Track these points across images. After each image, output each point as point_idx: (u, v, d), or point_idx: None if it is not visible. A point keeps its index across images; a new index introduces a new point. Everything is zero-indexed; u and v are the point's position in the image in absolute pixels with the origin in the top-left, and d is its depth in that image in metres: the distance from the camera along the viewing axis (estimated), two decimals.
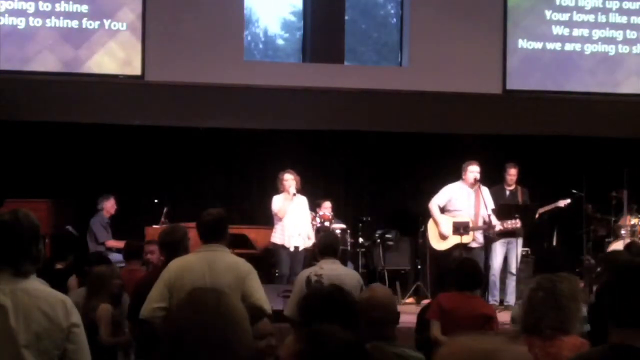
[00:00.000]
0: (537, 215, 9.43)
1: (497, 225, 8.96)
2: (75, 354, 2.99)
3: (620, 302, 2.50)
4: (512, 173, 9.56)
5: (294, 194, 9.04)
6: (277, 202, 9.05)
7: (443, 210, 9.11)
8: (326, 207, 9.98)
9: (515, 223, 8.99)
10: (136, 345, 5.43)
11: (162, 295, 4.67)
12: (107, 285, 5.75)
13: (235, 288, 4.59)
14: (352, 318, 3.10)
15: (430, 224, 9.19)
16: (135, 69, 10.16)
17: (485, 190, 9.10)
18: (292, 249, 9.01)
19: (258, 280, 4.78)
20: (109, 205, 9.82)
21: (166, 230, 5.47)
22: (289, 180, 9.06)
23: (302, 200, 9.19)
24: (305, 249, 9.12)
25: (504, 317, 8.44)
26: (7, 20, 9.96)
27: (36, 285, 3.03)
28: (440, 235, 9.03)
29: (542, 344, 3.53)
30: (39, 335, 2.92)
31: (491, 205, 9.02)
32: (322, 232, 9.16)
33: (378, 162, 11.51)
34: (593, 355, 2.61)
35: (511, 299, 9.13)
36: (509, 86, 10.89)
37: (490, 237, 9.15)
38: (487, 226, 8.90)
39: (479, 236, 9.06)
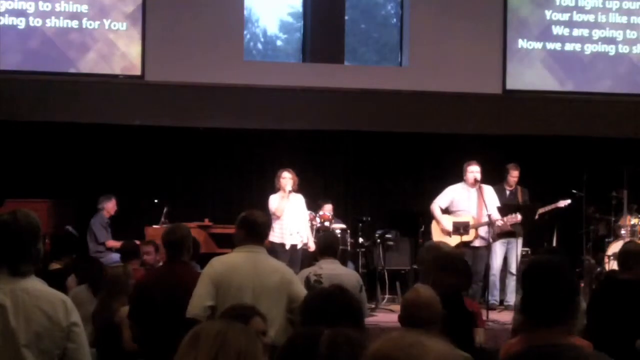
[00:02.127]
0: (536, 216, 9.42)
1: (498, 220, 8.93)
2: (76, 353, 2.99)
3: (533, 302, 2.47)
4: (514, 175, 9.55)
5: (290, 191, 9.03)
6: (275, 201, 9.06)
7: (446, 212, 9.11)
8: (327, 210, 9.98)
9: (515, 217, 8.98)
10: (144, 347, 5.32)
11: (209, 293, 4.57)
12: (124, 286, 5.73)
13: (281, 290, 4.61)
14: (354, 317, 3.10)
15: (434, 225, 9.20)
16: (135, 69, 10.17)
17: (489, 189, 9.09)
18: (288, 247, 9.00)
19: (301, 284, 4.85)
20: (110, 206, 9.81)
21: (168, 229, 5.45)
22: (287, 178, 9.06)
23: (299, 199, 9.19)
24: (303, 249, 9.12)
25: (504, 317, 8.46)
26: (7, 20, 9.97)
27: (36, 284, 3.04)
28: (443, 231, 9.02)
29: None
30: (39, 334, 2.92)
31: (496, 202, 9.01)
32: (322, 232, 9.16)
33: (378, 162, 11.49)
34: (517, 357, 2.58)
35: (511, 298, 9.13)
36: (509, 86, 10.90)
37: (491, 237, 9.14)
38: (489, 223, 8.88)
39: (483, 234, 9.02)
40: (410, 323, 3.57)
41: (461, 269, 4.77)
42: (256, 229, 4.84)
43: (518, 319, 3.75)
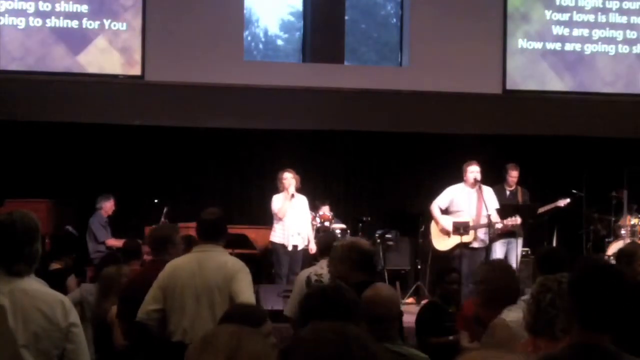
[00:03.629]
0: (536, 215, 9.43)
1: (498, 223, 8.94)
2: (74, 354, 3.00)
3: (586, 304, 2.46)
4: (513, 175, 9.55)
5: (293, 195, 9.03)
6: (277, 202, 9.05)
7: (446, 212, 9.10)
8: (324, 211, 9.97)
9: (515, 220, 8.97)
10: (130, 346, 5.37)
11: (156, 297, 4.66)
12: (116, 286, 5.74)
13: (223, 288, 4.59)
14: (351, 315, 3.10)
15: (433, 225, 9.19)
16: (135, 69, 10.16)
17: (488, 190, 9.08)
18: (290, 248, 9.01)
19: (247, 279, 4.72)
20: (108, 206, 9.80)
21: (153, 228, 5.48)
22: (288, 179, 9.05)
23: (302, 200, 9.19)
24: (304, 249, 9.11)
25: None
26: (7, 20, 9.96)
27: (34, 285, 3.04)
28: (442, 231, 9.01)
29: (547, 345, 3.51)
30: (38, 335, 2.92)
31: (495, 204, 9.00)
32: (322, 232, 9.16)
33: (378, 162, 11.50)
34: (561, 354, 2.58)
35: None
36: (509, 86, 10.89)
37: (490, 237, 9.14)
38: (488, 224, 8.88)
39: (482, 236, 9.02)
40: (369, 320, 3.59)
41: (373, 265, 4.78)
42: (205, 227, 4.86)
43: (525, 321, 3.74)
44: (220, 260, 4.75)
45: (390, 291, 3.78)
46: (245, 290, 4.63)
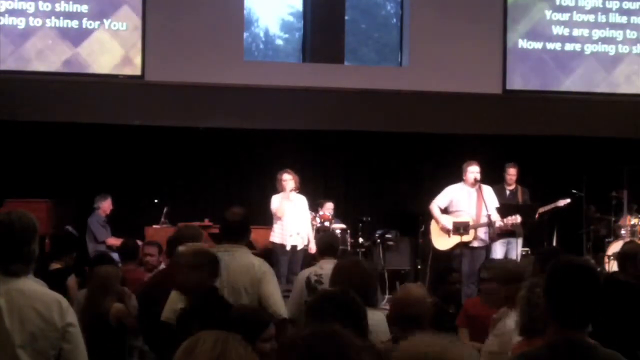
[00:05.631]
0: (537, 216, 9.42)
1: (498, 221, 8.92)
2: (72, 354, 2.99)
3: (561, 303, 2.47)
4: (511, 173, 9.55)
5: (292, 190, 9.02)
6: (275, 202, 9.06)
7: (445, 211, 9.09)
8: (327, 208, 9.97)
9: (515, 219, 8.97)
10: (153, 347, 5.32)
11: (181, 296, 4.56)
12: (113, 285, 5.72)
13: (251, 290, 4.59)
14: (356, 318, 3.10)
15: (433, 225, 9.17)
16: (135, 69, 10.17)
17: (488, 190, 9.07)
18: (289, 249, 9.01)
19: (274, 281, 4.73)
20: (106, 205, 9.79)
21: (178, 229, 5.45)
22: (287, 180, 9.05)
23: (302, 200, 9.18)
24: (304, 249, 9.11)
25: None
26: (7, 20, 9.96)
27: (31, 285, 3.03)
28: (442, 230, 9.00)
29: None
30: (35, 335, 2.92)
31: (495, 204, 8.99)
32: (321, 232, 9.16)
33: (378, 162, 11.50)
34: (539, 352, 2.59)
35: None
36: (509, 86, 10.90)
37: (490, 236, 9.13)
38: (488, 224, 8.87)
39: (482, 235, 9.01)
40: (400, 321, 3.57)
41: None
42: (229, 227, 4.84)
43: (519, 323, 3.73)
44: (246, 262, 4.73)
45: (421, 291, 3.75)
46: (275, 292, 4.64)
